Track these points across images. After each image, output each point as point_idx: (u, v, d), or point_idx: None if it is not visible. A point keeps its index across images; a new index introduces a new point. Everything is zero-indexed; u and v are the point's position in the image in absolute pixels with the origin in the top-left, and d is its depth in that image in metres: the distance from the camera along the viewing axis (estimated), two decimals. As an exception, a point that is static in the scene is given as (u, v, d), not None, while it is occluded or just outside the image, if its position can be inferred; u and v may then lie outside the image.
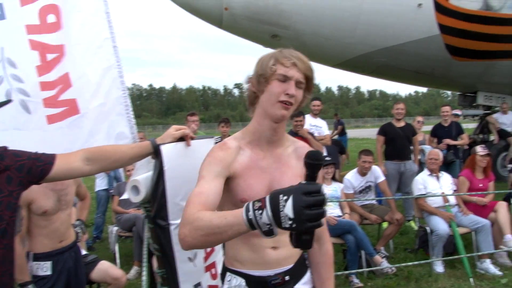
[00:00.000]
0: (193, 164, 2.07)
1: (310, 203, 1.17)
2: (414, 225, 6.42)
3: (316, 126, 7.31)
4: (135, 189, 2.05)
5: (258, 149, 1.72)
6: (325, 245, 1.83)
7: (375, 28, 8.95)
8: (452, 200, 5.33)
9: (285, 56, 1.62)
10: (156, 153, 1.97)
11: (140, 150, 1.97)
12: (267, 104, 1.64)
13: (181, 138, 2.06)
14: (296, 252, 1.76)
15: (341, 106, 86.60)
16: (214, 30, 9.29)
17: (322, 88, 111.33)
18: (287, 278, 1.71)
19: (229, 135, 7.16)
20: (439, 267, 5.00)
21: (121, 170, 6.69)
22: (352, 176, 5.63)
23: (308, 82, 1.66)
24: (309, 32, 9.14)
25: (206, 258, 2.14)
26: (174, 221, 1.99)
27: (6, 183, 1.71)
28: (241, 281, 1.71)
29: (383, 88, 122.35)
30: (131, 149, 1.99)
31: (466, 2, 8.90)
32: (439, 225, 5.03)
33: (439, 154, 5.61)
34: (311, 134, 6.53)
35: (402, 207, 6.93)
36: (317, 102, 7.60)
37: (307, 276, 1.81)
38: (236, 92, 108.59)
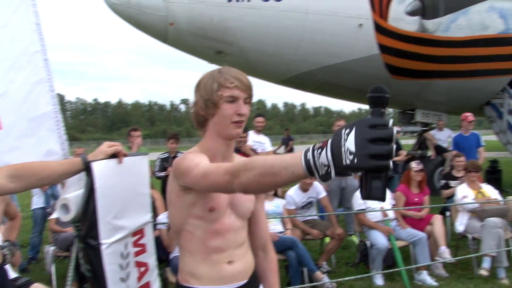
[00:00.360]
0: (125, 182, 2.03)
1: (374, 135, 1.05)
2: (355, 240, 6.54)
3: (260, 142, 7.35)
4: (65, 207, 1.96)
5: (217, 161, 1.71)
6: (270, 253, 1.89)
7: (318, 46, 9.17)
8: (391, 214, 5.49)
9: (226, 78, 1.64)
10: (87, 170, 1.90)
11: (70, 167, 1.88)
12: (221, 127, 1.67)
13: (114, 155, 1.99)
14: (249, 267, 1.77)
15: (287, 123, 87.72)
16: (161, 45, 9.26)
17: (268, 105, 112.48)
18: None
19: (178, 151, 7.14)
20: (379, 280, 5.11)
21: (59, 187, 6.43)
22: (294, 192, 5.68)
23: (251, 97, 1.71)
24: (253, 49, 9.23)
25: (139, 278, 2.07)
26: (105, 240, 1.91)
27: None
28: None
29: (328, 105, 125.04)
30: (61, 165, 1.89)
31: (403, 24, 9.31)
32: (379, 239, 5.15)
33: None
34: (254, 150, 6.56)
35: (344, 222, 7.06)
36: (260, 119, 7.65)
37: None
38: (182, 107, 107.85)
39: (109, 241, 1.91)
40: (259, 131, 7.51)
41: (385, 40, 9.31)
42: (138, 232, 2.10)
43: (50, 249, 5.27)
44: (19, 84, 2.08)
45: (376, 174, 1.10)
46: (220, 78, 1.64)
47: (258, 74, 10.48)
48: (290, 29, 8.98)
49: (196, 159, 1.58)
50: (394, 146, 1.07)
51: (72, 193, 1.99)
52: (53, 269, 5.16)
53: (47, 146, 2.15)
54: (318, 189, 5.73)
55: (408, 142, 13.32)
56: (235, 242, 1.72)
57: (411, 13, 9.30)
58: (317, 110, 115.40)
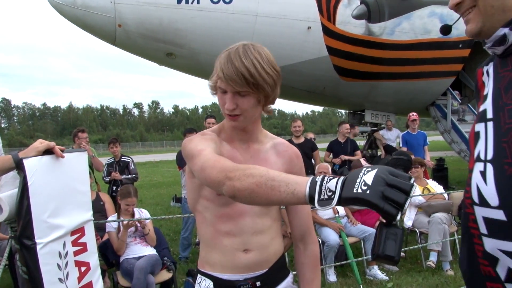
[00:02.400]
0: (61, 179, 1.94)
1: (395, 182, 1.04)
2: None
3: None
4: (-3, 209, 1.86)
5: (233, 145, 1.64)
6: (310, 245, 1.73)
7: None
8: (342, 211, 5.57)
9: (223, 63, 1.51)
10: (18, 167, 1.80)
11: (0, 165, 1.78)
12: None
13: (48, 152, 1.89)
14: (272, 257, 1.64)
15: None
16: (111, 48, 8.98)
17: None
18: (258, 283, 1.58)
19: (122, 155, 7.05)
20: (331, 276, 5.17)
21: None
22: None
23: (256, 86, 1.50)
24: (204, 51, 9.17)
25: (80, 278, 1.99)
26: (40, 240, 1.83)
27: None
28: (210, 284, 1.61)
29: (282, 107, 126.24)
30: None
31: (351, 27, 9.53)
32: (330, 236, 5.21)
33: (328, 168, 5.86)
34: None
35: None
36: (211, 120, 7.58)
37: (287, 281, 1.68)
38: (135, 111, 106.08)
39: (44, 241, 1.82)
40: (211, 132, 7.47)
41: (333, 42, 9.49)
42: (78, 231, 2.02)
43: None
44: None
45: (393, 234, 1.10)
46: (223, 61, 1.51)
47: (209, 76, 10.43)
48: (240, 31, 8.99)
49: (200, 145, 1.50)
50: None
51: (5, 192, 1.88)
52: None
53: None
54: None
55: (360, 142, 13.60)
56: (251, 228, 1.59)
57: (358, 17, 9.54)
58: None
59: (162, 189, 14.24)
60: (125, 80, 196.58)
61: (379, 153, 11.85)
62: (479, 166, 1.19)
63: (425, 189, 5.81)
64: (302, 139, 7.38)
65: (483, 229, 1.15)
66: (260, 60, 1.51)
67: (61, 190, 1.93)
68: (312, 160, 7.42)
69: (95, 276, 2.08)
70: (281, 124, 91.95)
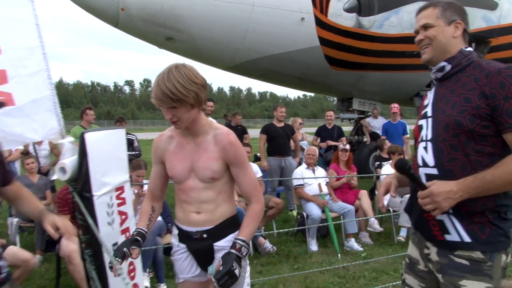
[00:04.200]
0: (108, 148, 2.56)
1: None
2: (295, 214, 7.27)
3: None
4: (63, 170, 2.45)
5: (184, 138, 2.24)
6: (252, 204, 2.26)
7: (263, 37, 9.75)
8: (325, 189, 6.22)
9: (154, 89, 2.07)
10: (81, 139, 2.41)
11: None
12: None
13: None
14: (218, 218, 2.25)
15: (233, 107, 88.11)
16: (101, 24, 9.27)
17: (214, 88, 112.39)
18: (204, 235, 2.24)
19: (128, 133, 7.59)
20: (314, 246, 5.84)
21: (17, 164, 6.71)
22: None
23: (180, 101, 2.04)
24: (202, 37, 9.66)
25: (121, 224, 2.61)
26: (96, 193, 2.43)
27: None
28: (176, 231, 2.34)
29: (274, 90, 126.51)
30: None
31: (342, 20, 10.08)
32: (313, 210, 5.88)
33: (316, 151, 6.51)
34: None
35: (286, 199, 7.76)
36: (210, 103, 8.20)
37: (231, 237, 2.25)
38: (127, 89, 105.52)
39: (98, 194, 2.43)
40: (208, 114, 8.04)
41: (325, 33, 10.05)
42: (120, 188, 2.63)
43: (14, 221, 5.57)
44: (27, 71, 2.52)
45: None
46: (153, 85, 2.09)
47: (206, 61, 10.97)
48: (237, 19, 9.50)
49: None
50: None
51: (68, 158, 2.48)
52: (17, 239, 5.49)
53: (49, 124, 2.62)
54: (256, 167, 6.40)
55: (346, 128, 14.24)
56: (198, 199, 2.22)
57: (349, 10, 10.09)
58: (263, 95, 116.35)
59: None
60: (116, 57, 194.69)
61: (364, 139, 12.52)
62: (422, 144, 1.98)
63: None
64: (283, 124, 8.00)
65: (424, 181, 1.89)
66: (180, 80, 2.02)
67: (108, 157, 2.52)
68: (291, 142, 8.03)
69: (131, 224, 2.70)
70: (273, 106, 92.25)
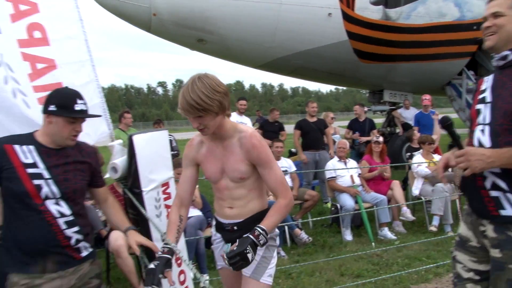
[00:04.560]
0: (154, 148, 2.85)
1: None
2: (329, 206, 7.45)
3: (242, 123, 8.17)
4: (114, 169, 2.76)
5: (213, 142, 2.44)
6: (278, 198, 2.38)
7: (291, 34, 9.96)
8: (357, 181, 6.39)
9: (179, 100, 2.21)
10: (129, 141, 2.70)
11: None
12: None
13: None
14: (247, 213, 2.46)
15: (265, 103, 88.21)
16: (129, 26, 9.65)
17: (246, 86, 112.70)
18: (235, 227, 2.48)
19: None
20: (348, 236, 6.03)
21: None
22: None
23: (204, 110, 2.17)
24: (232, 37, 9.95)
25: (168, 216, 2.89)
26: (145, 189, 2.72)
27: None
28: (214, 222, 2.62)
29: (306, 85, 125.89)
30: None
31: (369, 13, 10.18)
32: (346, 201, 6.07)
33: (346, 144, 6.67)
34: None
35: (321, 192, 7.94)
36: (243, 102, 8.52)
37: None
38: (160, 90, 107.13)
39: (147, 189, 2.72)
40: (241, 112, 8.37)
41: (352, 27, 10.17)
42: (165, 184, 2.91)
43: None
44: (79, 81, 2.83)
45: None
46: (179, 96, 2.24)
47: (237, 60, 11.29)
48: (266, 18, 9.74)
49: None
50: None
51: (118, 159, 2.79)
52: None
53: (100, 128, 2.94)
54: (290, 162, 6.68)
55: (378, 120, 14.29)
56: (231, 196, 2.44)
57: (375, 3, 10.18)
58: (295, 90, 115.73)
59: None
60: (148, 59, 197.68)
61: (397, 130, 12.54)
62: (480, 127, 2.15)
63: (431, 163, 6.57)
64: (315, 118, 8.19)
65: None
66: (203, 90, 2.16)
67: (154, 156, 2.81)
68: (324, 137, 8.21)
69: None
70: (305, 102, 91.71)
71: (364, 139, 9.12)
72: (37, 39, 2.80)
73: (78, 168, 2.39)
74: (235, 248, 2.16)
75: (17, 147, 2.28)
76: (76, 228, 2.35)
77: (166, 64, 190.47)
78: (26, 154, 2.27)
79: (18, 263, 2.29)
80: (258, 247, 2.23)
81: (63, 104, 2.27)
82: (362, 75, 11.63)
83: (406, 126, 11.59)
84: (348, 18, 9.96)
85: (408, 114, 11.64)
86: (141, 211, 2.64)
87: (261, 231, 2.23)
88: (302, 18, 9.81)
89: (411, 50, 10.84)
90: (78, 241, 2.37)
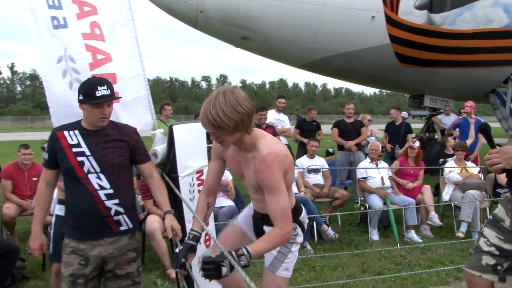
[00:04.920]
0: (192, 139, 3.15)
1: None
2: (359, 207, 7.61)
3: (280, 120, 8.50)
4: (155, 155, 3.08)
5: (237, 150, 2.54)
6: (275, 228, 2.42)
7: (334, 35, 10.09)
8: (388, 183, 6.52)
9: (200, 114, 2.22)
10: (170, 131, 3.02)
11: None
12: None
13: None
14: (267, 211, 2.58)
15: (308, 102, 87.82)
16: (180, 23, 10.10)
17: (290, 84, 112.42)
18: (259, 216, 2.71)
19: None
20: (375, 236, 6.19)
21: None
22: (302, 159, 6.97)
23: (220, 128, 2.18)
24: (275, 36, 10.17)
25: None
26: (181, 174, 3.04)
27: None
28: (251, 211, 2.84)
29: (349, 86, 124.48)
30: None
31: (413, 17, 10.17)
32: (375, 202, 6.23)
33: (378, 146, 6.82)
34: (275, 127, 7.68)
35: (353, 192, 8.10)
36: (282, 100, 8.79)
37: None
38: (203, 84, 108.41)
39: (183, 175, 3.03)
40: (280, 110, 8.63)
41: (395, 31, 10.19)
42: (199, 171, 3.21)
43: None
44: (129, 74, 3.19)
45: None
46: (201, 109, 2.25)
47: (280, 59, 11.52)
48: (309, 19, 9.91)
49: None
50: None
51: (158, 146, 3.11)
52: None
53: (145, 118, 3.29)
54: (323, 161, 6.95)
55: (417, 126, 14.22)
56: (252, 196, 2.66)
57: (420, 7, 10.15)
58: (338, 91, 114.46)
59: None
60: (193, 53, 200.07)
61: (436, 136, 12.46)
62: None
63: (463, 169, 6.62)
64: (352, 119, 8.36)
65: None
66: (223, 107, 2.13)
67: (191, 145, 3.12)
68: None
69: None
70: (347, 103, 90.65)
71: (401, 151, 9.15)
72: (97, 35, 3.19)
73: (116, 145, 2.76)
74: (213, 256, 2.12)
75: (65, 132, 2.73)
76: (115, 201, 2.72)
77: (211, 59, 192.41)
78: (72, 137, 2.72)
79: (69, 229, 2.76)
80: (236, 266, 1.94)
81: (86, 93, 2.67)
82: (403, 79, 11.62)
83: (444, 133, 11.53)
84: (391, 21, 9.99)
85: (448, 121, 11.49)
86: (177, 193, 2.94)
87: (245, 252, 2.15)
88: (344, 20, 9.91)
89: (454, 56, 10.75)
90: (118, 213, 2.73)
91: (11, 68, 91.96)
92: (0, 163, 6.90)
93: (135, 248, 2.88)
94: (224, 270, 2.08)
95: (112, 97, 2.73)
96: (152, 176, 2.92)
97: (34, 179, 6.15)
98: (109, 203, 2.70)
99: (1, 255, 4.25)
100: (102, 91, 2.66)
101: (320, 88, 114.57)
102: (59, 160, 2.73)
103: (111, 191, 2.70)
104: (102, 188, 2.68)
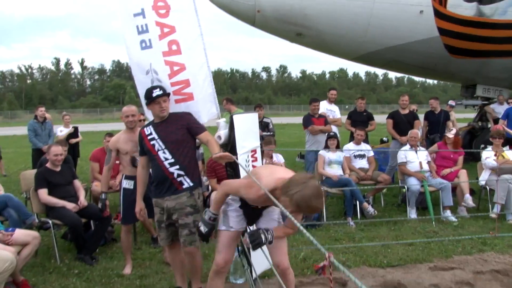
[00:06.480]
0: (247, 125, 4.04)
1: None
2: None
3: (331, 110, 9.24)
4: (219, 138, 4.01)
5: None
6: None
7: (383, 29, 10.62)
8: (426, 167, 7.14)
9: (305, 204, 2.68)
10: (230, 119, 3.94)
11: None
12: None
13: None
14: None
15: (368, 92, 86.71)
16: None
17: (350, 74, 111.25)
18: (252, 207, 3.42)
19: (264, 117, 9.00)
20: (413, 214, 6.86)
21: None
22: (350, 144, 7.76)
23: None
24: (328, 32, 10.84)
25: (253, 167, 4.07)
26: (239, 152, 3.90)
27: None
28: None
29: (411, 75, 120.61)
30: None
31: (462, 10, 10.50)
32: (413, 183, 6.89)
33: (418, 133, 7.45)
34: (326, 116, 8.49)
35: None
36: (333, 92, 9.55)
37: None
38: (264, 75, 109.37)
39: (241, 153, 3.92)
40: (331, 101, 9.36)
41: (444, 24, 10.56)
42: (253, 151, 4.11)
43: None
44: (200, 78, 4.14)
45: None
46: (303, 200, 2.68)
47: (333, 52, 12.20)
48: (359, 15, 10.49)
49: None
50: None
51: (222, 131, 4.03)
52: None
53: (211, 109, 4.22)
54: (368, 147, 7.71)
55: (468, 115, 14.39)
56: None
57: (469, 0, 10.47)
58: (400, 80, 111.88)
59: (289, 147, 16.28)
60: (253, 45, 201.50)
61: (489, 125, 12.65)
62: None
63: (500, 156, 7.11)
64: (407, 111, 8.97)
65: None
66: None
67: (246, 130, 4.02)
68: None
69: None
70: (411, 92, 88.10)
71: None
72: (174, 50, 4.14)
73: (174, 128, 3.91)
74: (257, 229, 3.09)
75: (145, 128, 4.01)
76: (177, 167, 3.85)
77: (271, 50, 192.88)
78: (148, 130, 3.97)
79: (153, 191, 4.00)
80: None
81: (147, 96, 3.91)
82: (454, 70, 11.94)
83: (498, 122, 11.70)
84: (440, 15, 10.36)
85: (502, 110, 11.61)
86: (237, 162, 3.82)
87: (272, 232, 3.05)
88: (393, 15, 10.39)
89: (506, 46, 10.94)
90: (179, 175, 3.84)
91: (81, 63, 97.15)
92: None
93: (193, 205, 3.91)
94: (263, 238, 2.97)
95: (165, 94, 3.90)
96: (208, 141, 3.92)
97: (117, 162, 7.30)
98: (172, 169, 3.83)
99: (99, 220, 5.40)
100: (157, 92, 3.87)
101: (381, 77, 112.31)
102: (142, 147, 4.01)
103: (172, 160, 3.84)
104: (166, 159, 3.84)
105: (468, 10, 10.47)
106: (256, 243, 2.98)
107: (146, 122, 4.33)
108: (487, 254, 5.24)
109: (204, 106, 4.19)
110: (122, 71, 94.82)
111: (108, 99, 77.24)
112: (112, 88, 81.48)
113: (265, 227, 3.13)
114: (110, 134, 7.34)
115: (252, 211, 3.41)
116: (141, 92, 4.10)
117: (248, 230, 3.32)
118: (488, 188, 7.12)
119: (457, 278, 4.59)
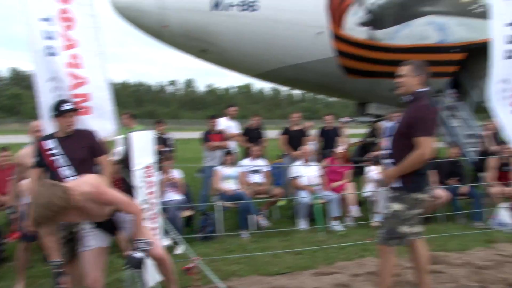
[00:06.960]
0: (142, 143, 4.19)
1: None
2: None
3: (230, 126, 9.52)
4: (116, 154, 4.14)
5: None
6: None
7: (285, 49, 11.20)
8: (316, 181, 7.67)
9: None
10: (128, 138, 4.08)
11: None
12: None
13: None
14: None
15: (272, 107, 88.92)
16: None
17: (255, 89, 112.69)
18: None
19: (164, 133, 9.09)
20: (303, 225, 7.35)
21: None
22: (245, 160, 8.17)
23: None
24: (231, 49, 11.22)
25: (147, 187, 4.20)
26: (135, 168, 4.02)
27: None
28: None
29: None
30: None
31: (356, 33, 11.38)
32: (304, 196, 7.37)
33: (309, 149, 7.98)
34: (224, 133, 8.79)
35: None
36: (233, 108, 9.83)
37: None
38: (170, 89, 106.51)
39: (136, 169, 4.04)
40: (231, 117, 9.63)
41: (340, 45, 11.36)
42: (148, 167, 4.25)
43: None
44: (101, 94, 4.31)
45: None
46: None
47: (236, 69, 12.61)
48: (262, 34, 11.00)
49: None
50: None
51: (119, 147, 4.17)
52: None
53: (108, 127, 4.38)
54: (265, 163, 8.14)
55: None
56: None
57: (363, 24, 11.37)
58: (304, 95, 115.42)
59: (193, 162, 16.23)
60: (160, 57, 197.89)
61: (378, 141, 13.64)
62: None
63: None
64: (299, 127, 9.50)
65: None
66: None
67: (142, 146, 4.18)
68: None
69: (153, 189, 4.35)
70: (311, 108, 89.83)
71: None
72: (76, 64, 4.33)
73: (80, 145, 4.03)
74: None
75: (44, 142, 4.03)
76: None
77: (179, 63, 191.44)
78: (48, 144, 4.01)
79: None
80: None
81: (56, 109, 3.99)
82: (349, 89, 12.83)
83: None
84: (336, 37, 11.14)
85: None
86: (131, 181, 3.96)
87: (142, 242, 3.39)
88: (294, 35, 10.96)
89: (393, 67, 11.75)
90: None
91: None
92: None
93: None
94: (138, 257, 3.29)
95: (75, 110, 4.00)
96: (103, 165, 4.07)
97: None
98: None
99: None
100: (66, 106, 3.95)
101: (285, 93, 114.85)
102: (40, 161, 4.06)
103: (76, 178, 3.84)
104: (69, 176, 3.93)
105: (361, 34, 11.35)
106: (135, 267, 3.30)
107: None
108: (366, 259, 5.73)
109: (101, 123, 4.32)
110: (21, 80, 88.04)
111: (3, 109, 71.27)
112: (8, 97, 75.20)
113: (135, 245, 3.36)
114: (4, 148, 6.99)
115: (104, 223, 3.53)
116: (43, 100, 4.15)
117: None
118: (372, 200, 7.76)
119: (336, 281, 5.00)
